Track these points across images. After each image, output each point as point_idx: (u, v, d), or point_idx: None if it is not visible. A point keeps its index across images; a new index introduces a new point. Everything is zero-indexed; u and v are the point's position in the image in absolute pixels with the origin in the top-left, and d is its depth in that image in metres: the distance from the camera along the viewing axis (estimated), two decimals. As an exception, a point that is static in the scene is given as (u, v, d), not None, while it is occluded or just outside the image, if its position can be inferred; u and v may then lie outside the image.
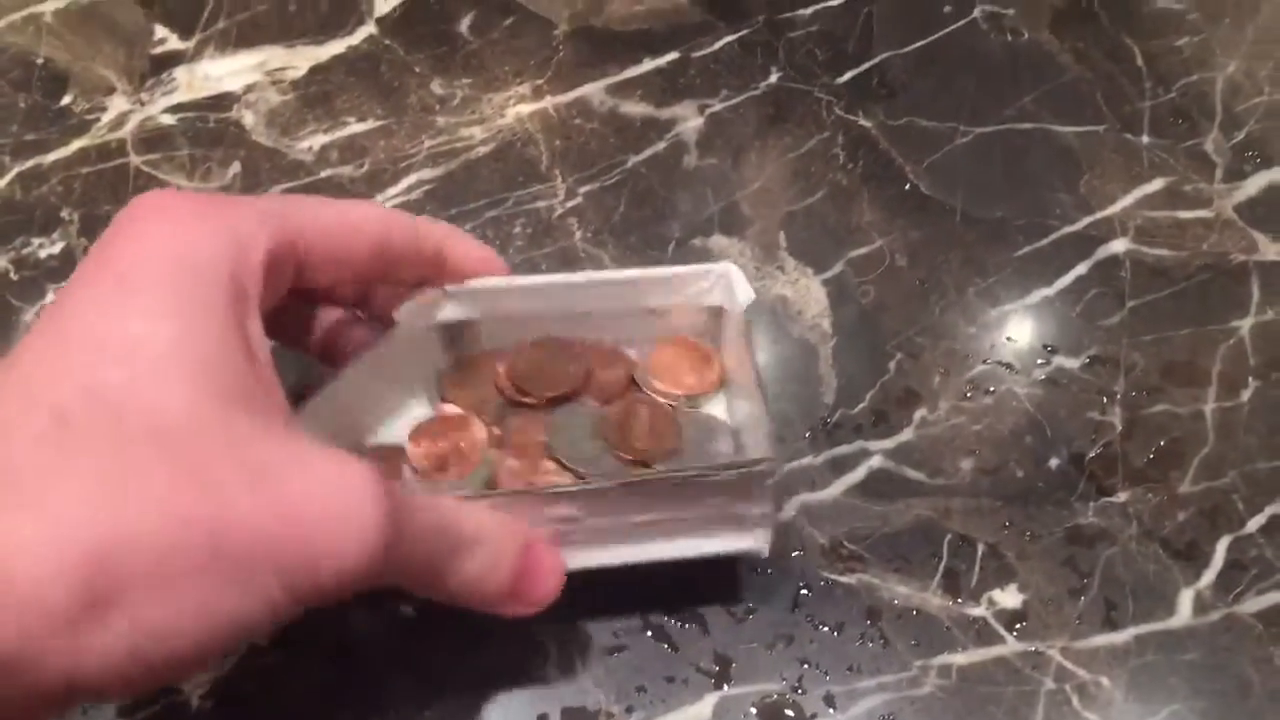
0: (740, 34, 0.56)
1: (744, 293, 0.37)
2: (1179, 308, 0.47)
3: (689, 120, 0.53)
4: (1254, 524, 0.42)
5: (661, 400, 0.40)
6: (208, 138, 0.52)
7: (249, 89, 0.53)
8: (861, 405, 0.44)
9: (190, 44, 0.55)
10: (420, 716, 0.37)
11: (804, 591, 0.39)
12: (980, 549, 0.41)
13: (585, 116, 0.53)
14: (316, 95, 0.53)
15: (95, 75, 0.54)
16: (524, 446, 0.38)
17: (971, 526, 0.41)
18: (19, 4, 0.56)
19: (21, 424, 0.22)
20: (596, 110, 0.53)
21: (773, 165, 0.52)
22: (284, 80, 0.54)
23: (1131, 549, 0.41)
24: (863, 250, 0.49)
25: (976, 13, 0.58)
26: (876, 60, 0.56)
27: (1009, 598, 0.40)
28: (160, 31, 0.56)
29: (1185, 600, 0.40)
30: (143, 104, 0.53)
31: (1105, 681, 0.38)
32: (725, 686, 0.37)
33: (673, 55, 0.55)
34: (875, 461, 0.43)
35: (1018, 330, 0.46)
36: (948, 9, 0.58)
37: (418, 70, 0.54)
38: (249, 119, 0.52)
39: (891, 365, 0.45)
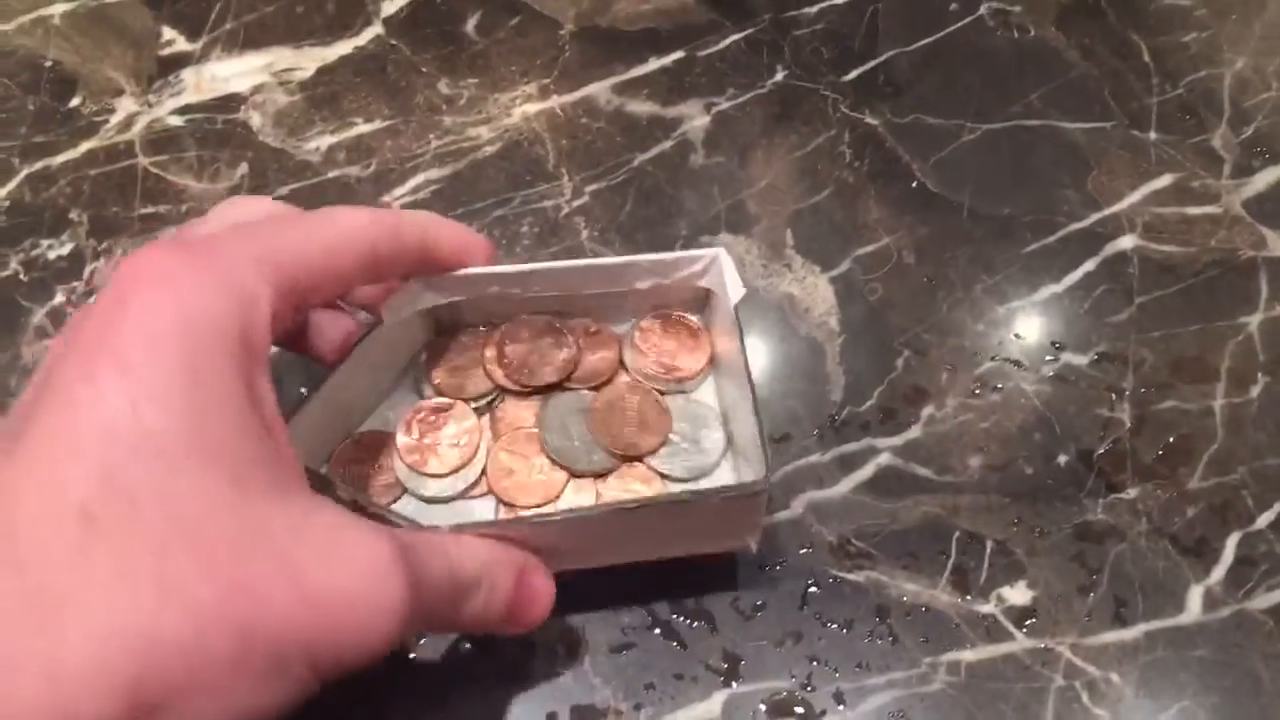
0: (746, 32, 0.56)
1: (735, 287, 0.37)
2: (1187, 304, 0.47)
3: (695, 119, 0.53)
4: (1264, 520, 0.42)
5: (650, 385, 0.40)
6: (215, 139, 0.52)
7: (256, 90, 0.54)
8: (869, 403, 0.44)
9: (198, 45, 0.55)
10: (430, 716, 0.37)
11: (813, 589, 0.39)
12: (989, 546, 0.41)
13: (591, 116, 0.53)
14: (324, 96, 0.53)
15: (103, 77, 0.54)
16: (514, 437, 0.39)
17: (980, 523, 0.41)
18: (28, 6, 0.57)
19: (44, 523, 0.22)
20: (603, 109, 0.53)
21: (779, 163, 0.52)
22: (291, 81, 0.54)
23: (1141, 545, 0.41)
24: (870, 248, 0.49)
25: (983, 10, 0.58)
26: (882, 58, 0.56)
27: (1018, 594, 0.40)
28: (168, 33, 0.56)
29: (1195, 596, 0.40)
30: (150, 105, 0.53)
31: (1115, 678, 0.38)
32: (734, 684, 0.37)
33: (679, 54, 0.55)
34: (883, 459, 0.43)
35: (1026, 327, 0.46)
36: (953, 6, 0.58)
37: (424, 70, 0.55)
38: (256, 120, 0.52)
39: (899, 362, 0.45)
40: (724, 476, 0.39)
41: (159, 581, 0.22)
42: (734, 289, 0.36)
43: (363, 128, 0.52)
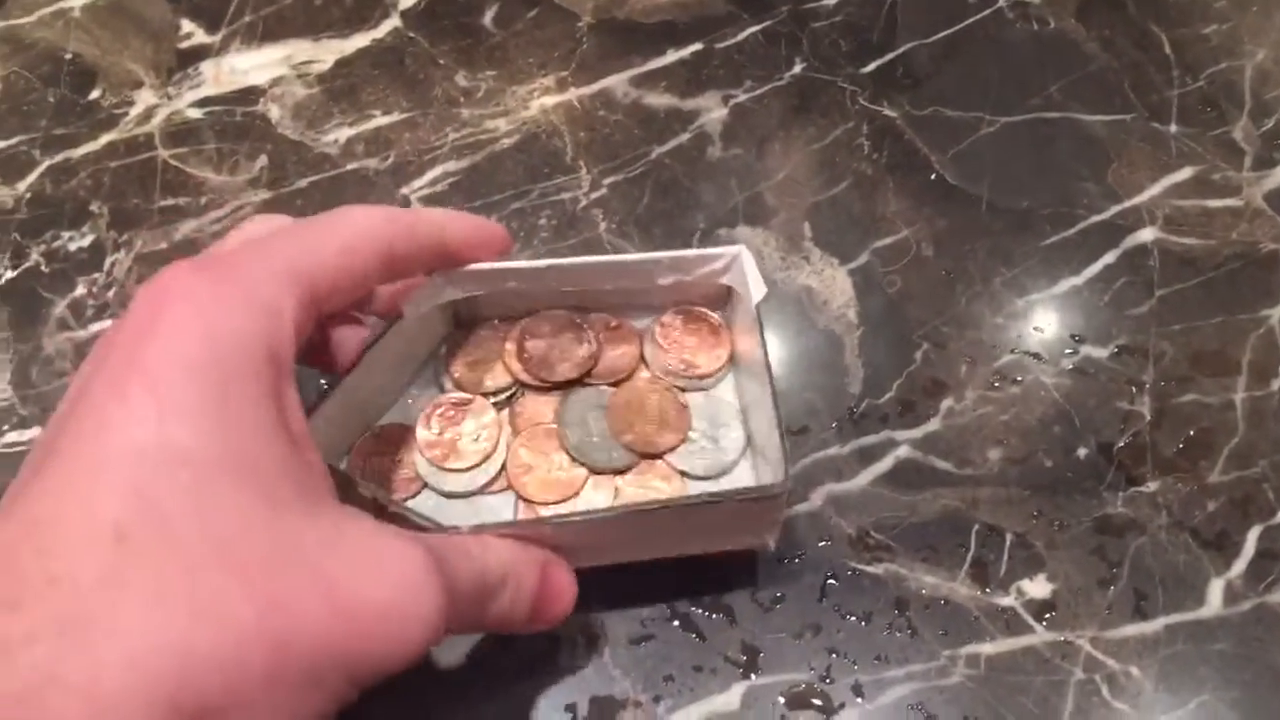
0: (764, 24, 0.56)
1: (756, 285, 0.36)
2: (1208, 297, 0.47)
3: (713, 111, 0.53)
4: (1285, 514, 0.42)
5: (669, 382, 0.40)
6: (234, 131, 0.52)
7: (275, 82, 0.54)
8: (888, 395, 0.44)
9: (217, 38, 0.55)
10: (450, 708, 0.37)
11: (831, 581, 0.39)
12: (1009, 539, 0.41)
13: (609, 108, 0.53)
14: (342, 88, 0.54)
15: (123, 70, 0.54)
16: (533, 433, 0.39)
17: (1000, 516, 0.41)
18: (47, -1, 0.57)
19: (78, 545, 0.22)
20: (620, 102, 0.53)
21: (797, 156, 0.52)
22: (310, 74, 0.54)
23: (1161, 539, 0.41)
24: (888, 240, 0.49)
25: (1002, 1, 0.58)
26: (901, 50, 0.56)
27: (1038, 587, 0.39)
28: (187, 26, 0.56)
29: (1215, 590, 0.40)
30: (170, 98, 0.53)
31: (1135, 671, 0.38)
32: (753, 676, 0.37)
33: (696, 46, 0.55)
34: (902, 451, 0.43)
35: (1045, 320, 0.46)
36: (973, -2, 0.58)
37: (442, 63, 0.55)
38: (275, 112, 0.53)
39: (918, 355, 0.45)
40: (743, 475, 0.39)
41: (193, 599, 0.22)
42: (755, 287, 0.36)
43: (381, 120, 0.52)
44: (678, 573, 0.37)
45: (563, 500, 0.38)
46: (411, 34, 0.56)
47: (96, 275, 0.47)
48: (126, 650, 0.21)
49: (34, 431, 0.43)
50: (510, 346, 0.40)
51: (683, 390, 0.40)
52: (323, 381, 0.40)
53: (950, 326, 0.46)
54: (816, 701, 0.37)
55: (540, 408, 0.40)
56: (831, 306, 0.46)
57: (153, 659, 0.21)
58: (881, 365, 0.45)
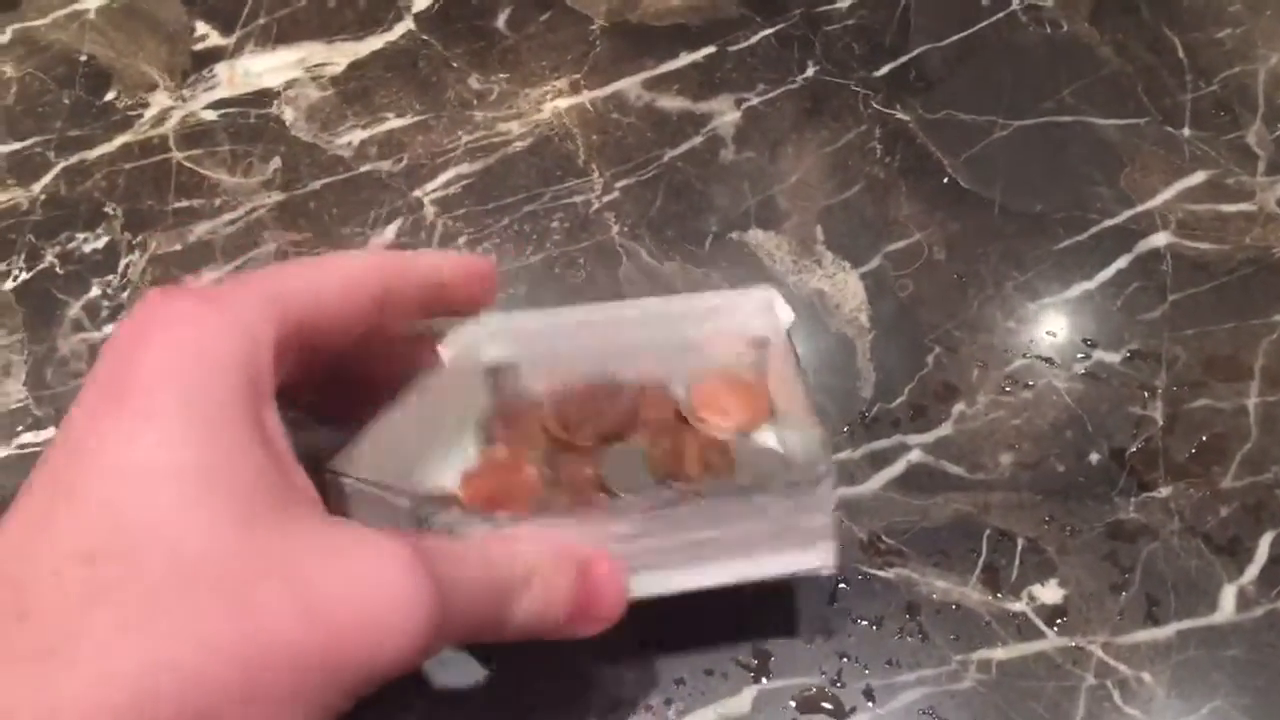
0: (777, 28, 0.56)
1: (785, 313, 0.37)
2: (1221, 302, 0.47)
3: (726, 114, 0.53)
4: (1298, 520, 0.41)
5: (709, 430, 0.39)
6: (248, 133, 0.52)
7: (289, 85, 0.54)
8: (900, 399, 0.44)
9: (231, 40, 0.56)
10: (457, 711, 0.37)
11: (843, 585, 0.39)
12: (1020, 544, 0.40)
13: (622, 111, 0.53)
14: (355, 91, 0.54)
15: (138, 71, 0.54)
16: (576, 485, 0.38)
17: (1011, 521, 0.41)
18: (63, 1, 0.57)
19: (46, 575, 0.22)
20: (633, 105, 0.53)
21: (810, 159, 0.52)
22: (323, 76, 0.54)
23: (1173, 544, 0.41)
24: (900, 244, 0.49)
25: (1015, 5, 0.58)
26: (914, 54, 0.56)
27: (1049, 593, 0.39)
28: (201, 28, 0.56)
29: (1228, 596, 0.40)
30: (184, 100, 0.53)
31: (1147, 677, 0.38)
32: (764, 680, 0.37)
33: (709, 49, 0.55)
34: (914, 455, 0.43)
35: (1057, 324, 0.46)
36: (986, 1, 0.58)
37: (455, 66, 0.55)
38: (289, 115, 0.53)
39: (930, 359, 0.45)
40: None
41: (157, 619, 0.22)
42: (784, 314, 0.37)
43: (394, 122, 0.53)
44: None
45: None
46: (425, 37, 0.56)
47: (111, 277, 0.47)
48: (86, 678, 0.21)
49: (49, 432, 0.43)
50: (548, 410, 0.39)
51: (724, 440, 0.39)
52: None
53: (962, 330, 0.46)
54: (827, 705, 0.37)
55: (581, 464, 0.39)
56: (843, 310, 0.47)
57: (113, 685, 0.21)
58: (893, 369, 0.45)
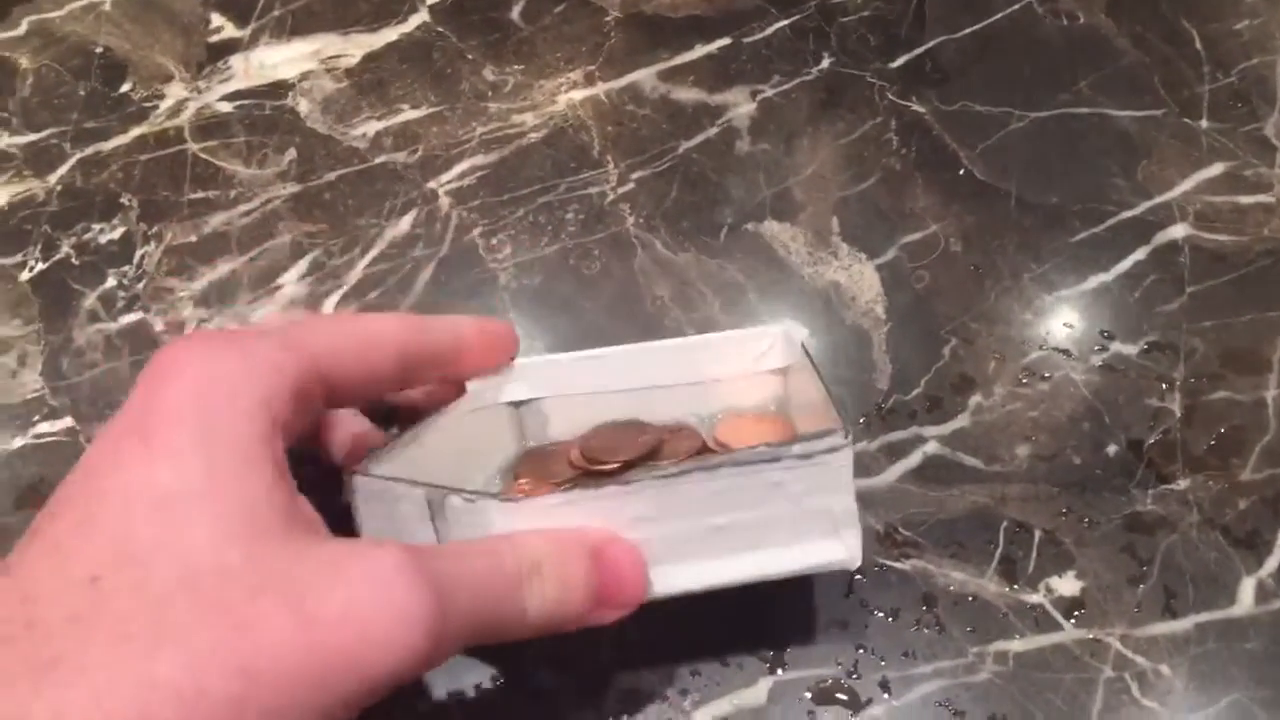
0: (792, 19, 0.56)
1: (798, 333, 0.38)
2: (1239, 293, 0.47)
3: (741, 106, 0.53)
4: (1317, 512, 0.41)
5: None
6: (264, 125, 0.52)
7: (304, 76, 0.54)
8: (916, 391, 0.44)
9: (246, 32, 0.56)
10: (472, 703, 0.37)
11: (859, 577, 0.39)
12: (1037, 536, 0.40)
13: (637, 102, 0.53)
14: (370, 83, 0.54)
15: (153, 63, 0.54)
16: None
17: (1028, 513, 0.41)
18: (78, -7, 0.57)
19: (55, 592, 0.23)
20: (648, 96, 0.53)
21: (825, 150, 0.51)
22: (338, 68, 0.54)
23: (1192, 537, 0.40)
24: (916, 236, 0.48)
25: (1031, -4, 0.58)
26: (930, 45, 0.55)
27: (1067, 585, 0.39)
28: (217, 20, 0.56)
29: (1247, 589, 0.39)
30: (200, 92, 0.53)
31: (1165, 670, 0.37)
32: (780, 671, 0.37)
33: (724, 41, 0.55)
34: (930, 447, 0.43)
35: (1074, 316, 0.46)
36: (1002, -7, 0.58)
37: (470, 57, 0.55)
38: (304, 106, 0.53)
39: (946, 351, 0.45)
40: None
41: (156, 633, 0.22)
42: (798, 334, 0.39)
43: (409, 114, 0.52)
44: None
45: None
46: (439, 28, 0.56)
47: (126, 268, 0.47)
48: (86, 689, 0.21)
49: (65, 422, 0.43)
50: (574, 453, 0.39)
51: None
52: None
53: (979, 322, 0.46)
54: (843, 697, 0.37)
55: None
56: (859, 302, 0.46)
57: (111, 696, 0.21)
58: (909, 361, 0.45)
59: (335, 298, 0.46)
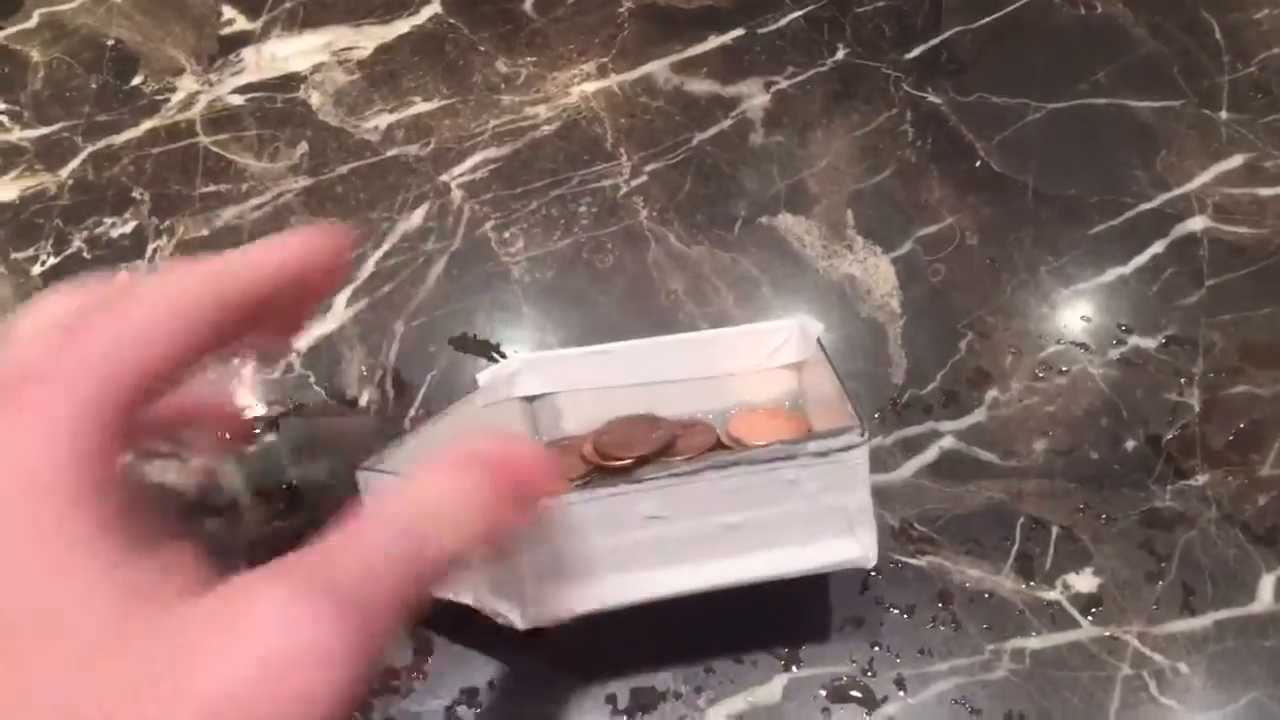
0: (807, 10, 0.56)
1: (813, 327, 0.38)
2: (1259, 287, 0.46)
3: (755, 97, 0.53)
4: (1338, 508, 0.41)
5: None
6: (275, 118, 0.52)
7: (316, 69, 0.54)
8: (932, 385, 0.44)
9: (257, 25, 0.55)
10: (488, 699, 0.37)
11: (874, 574, 0.39)
12: (1054, 532, 0.40)
13: (650, 94, 0.53)
14: (382, 75, 0.53)
15: (165, 56, 0.54)
16: None
17: (1045, 509, 0.41)
18: (90, -14, 0.57)
19: None
20: (661, 88, 0.53)
21: (840, 142, 0.51)
22: (350, 60, 0.54)
23: (1211, 533, 0.40)
24: (932, 228, 0.48)
25: (1048, -14, 0.57)
26: (945, 35, 0.55)
27: (1084, 581, 0.39)
28: (228, 12, 0.56)
29: (1266, 586, 0.39)
30: (211, 84, 0.53)
31: (1184, 668, 0.37)
32: (795, 668, 0.37)
33: (738, 32, 0.55)
34: (946, 442, 0.42)
35: (1092, 310, 0.45)
36: (1019, -18, 0.57)
37: (482, 49, 0.54)
38: (316, 99, 0.53)
39: (962, 345, 0.45)
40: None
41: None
42: (813, 328, 0.38)
43: (421, 107, 0.52)
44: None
45: None
46: (452, 20, 0.55)
47: (139, 261, 0.47)
48: None
49: (78, 417, 0.43)
50: (587, 448, 0.39)
51: None
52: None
53: (995, 316, 0.45)
54: (858, 694, 0.37)
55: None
56: (874, 295, 0.46)
57: None
58: (925, 355, 0.44)
59: (347, 292, 0.46)
